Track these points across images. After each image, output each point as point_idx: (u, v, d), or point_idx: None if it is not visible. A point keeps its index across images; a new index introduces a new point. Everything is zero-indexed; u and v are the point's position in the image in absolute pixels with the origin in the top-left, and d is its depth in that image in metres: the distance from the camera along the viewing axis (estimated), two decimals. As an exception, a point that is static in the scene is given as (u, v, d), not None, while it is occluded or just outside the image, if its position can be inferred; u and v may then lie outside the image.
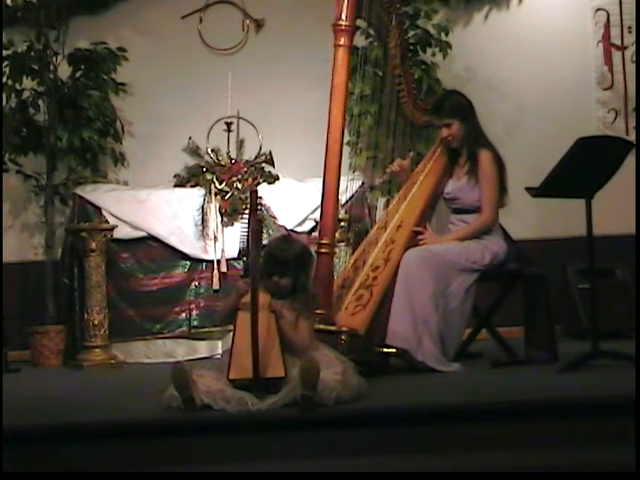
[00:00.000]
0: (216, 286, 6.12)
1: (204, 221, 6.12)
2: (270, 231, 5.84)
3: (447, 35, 6.51)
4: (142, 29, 6.80)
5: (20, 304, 6.57)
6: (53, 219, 6.48)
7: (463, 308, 5.04)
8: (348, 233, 5.80)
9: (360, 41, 5.81)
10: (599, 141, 4.99)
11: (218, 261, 6.12)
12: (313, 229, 6.06)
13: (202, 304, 6.14)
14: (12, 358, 6.04)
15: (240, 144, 6.41)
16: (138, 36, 6.79)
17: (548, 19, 6.83)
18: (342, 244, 5.73)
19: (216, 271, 6.12)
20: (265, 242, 4.59)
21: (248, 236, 4.15)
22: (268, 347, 4.08)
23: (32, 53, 6.37)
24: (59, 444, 3.87)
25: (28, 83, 6.45)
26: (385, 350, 4.92)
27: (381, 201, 6.34)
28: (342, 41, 4.97)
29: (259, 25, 6.87)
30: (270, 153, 6.37)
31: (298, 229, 6.16)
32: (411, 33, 6.22)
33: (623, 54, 6.82)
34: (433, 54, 6.56)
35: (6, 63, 6.36)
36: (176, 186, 6.32)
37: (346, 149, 5.52)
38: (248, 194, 5.23)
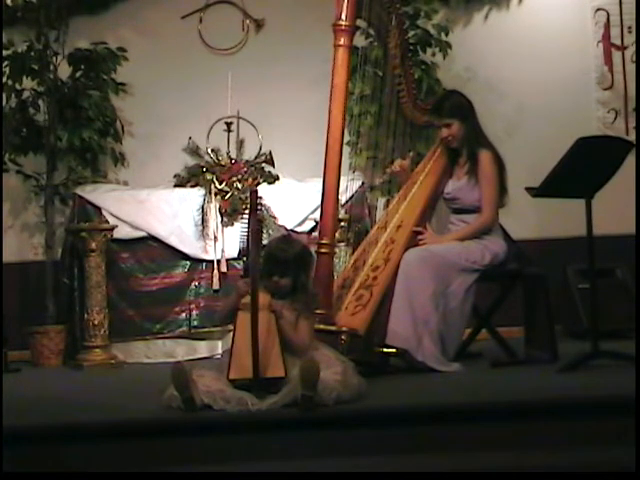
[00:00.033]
0: (216, 286, 6.12)
1: (204, 221, 6.12)
2: (270, 231, 5.84)
3: (447, 35, 6.51)
4: (142, 29, 6.80)
5: (20, 304, 6.57)
6: (53, 219, 6.48)
7: (463, 308, 5.04)
8: (348, 233, 5.79)
9: (360, 41, 5.81)
10: (599, 141, 4.99)
11: (218, 261, 6.12)
12: (313, 229, 6.06)
13: (202, 304, 6.14)
14: (12, 358, 6.04)
15: (240, 144, 6.41)
16: (138, 36, 6.79)
17: (548, 19, 6.83)
18: (342, 244, 5.73)
19: (216, 271, 6.12)
20: (265, 242, 4.59)
21: (248, 236, 4.15)
22: (268, 347, 4.08)
23: (32, 53, 6.37)
24: (59, 444, 3.86)
25: (28, 83, 6.45)
26: (385, 350, 4.92)
27: (381, 201, 6.34)
28: (342, 41, 4.97)
29: (259, 25, 6.87)
30: (270, 153, 6.37)
31: (298, 229, 6.16)
32: (411, 33, 6.22)
33: (623, 54, 6.82)
34: (433, 54, 6.56)
35: (6, 63, 6.36)
36: (176, 186, 6.33)
37: (346, 149, 5.52)
38: (248, 194, 5.23)
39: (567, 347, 5.17)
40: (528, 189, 5.05)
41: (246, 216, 4.18)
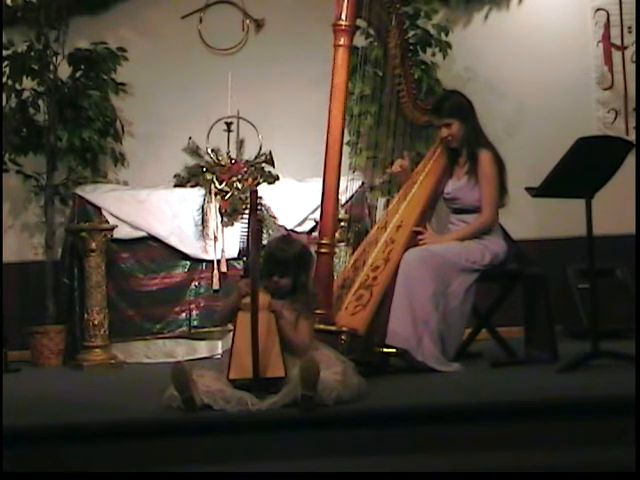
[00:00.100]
0: (216, 286, 6.12)
1: (204, 221, 6.12)
2: (270, 231, 5.84)
3: (447, 35, 6.51)
4: (142, 29, 6.80)
5: (20, 304, 6.57)
6: (53, 219, 6.48)
7: (463, 308, 5.04)
8: (348, 233, 5.79)
9: (360, 41, 5.81)
10: (599, 141, 4.99)
11: (218, 261, 6.12)
12: (313, 229, 6.06)
13: (202, 304, 6.14)
14: (12, 358, 6.04)
15: (240, 144, 6.41)
16: (138, 36, 6.79)
17: (548, 19, 6.83)
18: (342, 244, 5.73)
19: (216, 271, 6.12)
20: (265, 242, 4.59)
21: (248, 236, 4.15)
22: (268, 347, 4.08)
23: (32, 53, 6.37)
24: (59, 444, 3.86)
25: (28, 83, 6.45)
26: (385, 350, 4.91)
27: (381, 201, 6.34)
28: (342, 41, 4.97)
29: (259, 25, 6.87)
30: (270, 153, 6.37)
31: (298, 229, 6.16)
32: (411, 33, 6.22)
33: (623, 54, 6.82)
34: (433, 54, 6.56)
35: (6, 63, 6.36)
36: (176, 186, 6.33)
37: (346, 149, 5.53)
38: (248, 194, 5.23)
39: (567, 347, 5.17)
40: (528, 189, 5.05)
41: (246, 216, 4.18)
